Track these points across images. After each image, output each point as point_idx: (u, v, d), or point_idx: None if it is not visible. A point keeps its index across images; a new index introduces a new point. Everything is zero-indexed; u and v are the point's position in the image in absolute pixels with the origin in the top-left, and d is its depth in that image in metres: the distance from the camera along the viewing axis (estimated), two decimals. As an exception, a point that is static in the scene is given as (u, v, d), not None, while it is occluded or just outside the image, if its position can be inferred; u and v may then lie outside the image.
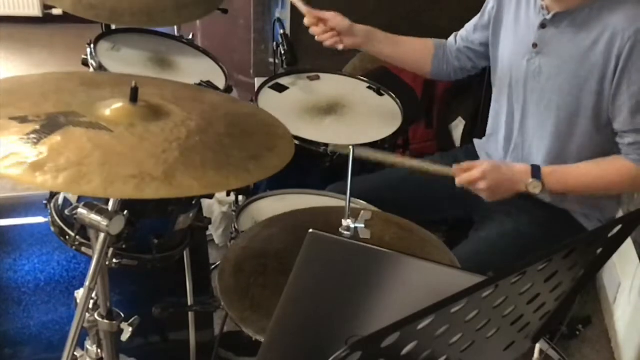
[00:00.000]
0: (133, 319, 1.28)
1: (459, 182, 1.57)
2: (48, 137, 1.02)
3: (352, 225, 1.26)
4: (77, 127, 1.06)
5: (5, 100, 1.12)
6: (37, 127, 1.04)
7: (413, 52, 1.91)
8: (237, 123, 1.23)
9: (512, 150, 1.73)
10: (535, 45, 1.60)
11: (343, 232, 1.26)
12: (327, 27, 1.79)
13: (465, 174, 1.56)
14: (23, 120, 1.06)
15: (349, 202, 1.30)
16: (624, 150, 1.55)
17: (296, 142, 1.83)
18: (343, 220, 1.26)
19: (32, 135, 1.02)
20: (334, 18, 1.80)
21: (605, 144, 1.59)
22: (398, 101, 2.08)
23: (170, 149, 1.05)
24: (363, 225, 1.26)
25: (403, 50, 1.90)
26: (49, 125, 1.05)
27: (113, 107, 1.13)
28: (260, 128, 1.27)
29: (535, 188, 1.56)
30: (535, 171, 1.57)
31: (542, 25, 1.57)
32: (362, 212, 1.29)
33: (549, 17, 1.56)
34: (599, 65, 1.49)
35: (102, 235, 1.14)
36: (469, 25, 1.86)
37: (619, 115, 1.52)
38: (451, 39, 1.90)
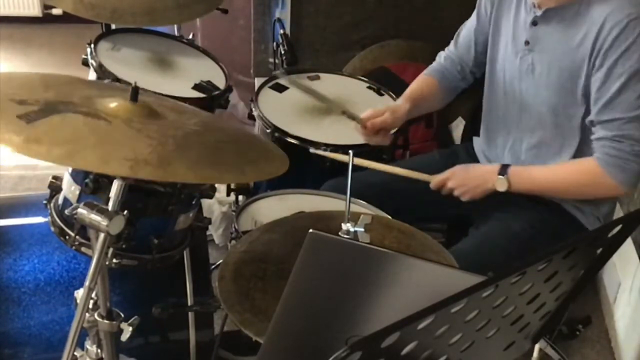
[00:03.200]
0: (133, 319, 1.28)
1: (432, 185, 1.69)
2: (45, 118, 1.02)
3: (352, 229, 1.26)
4: (75, 113, 1.06)
5: (5, 87, 1.12)
6: (35, 109, 1.04)
7: (428, 99, 1.88)
8: (233, 137, 1.23)
9: (510, 146, 1.73)
10: (527, 43, 1.61)
11: (342, 236, 1.25)
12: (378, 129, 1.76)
13: (435, 179, 1.68)
14: (22, 102, 1.05)
15: (349, 205, 1.30)
16: (594, 146, 1.54)
17: (296, 142, 1.84)
18: (343, 224, 1.26)
19: (30, 115, 1.02)
20: (393, 123, 1.77)
21: None
22: (398, 101, 2.07)
23: (167, 143, 1.05)
24: (363, 229, 1.26)
25: (424, 105, 1.89)
26: (47, 110, 1.05)
27: (113, 103, 1.13)
28: (255, 144, 1.28)
29: (501, 185, 1.61)
30: (503, 169, 1.61)
31: (534, 23, 1.59)
32: (362, 216, 1.28)
33: (539, 14, 1.57)
34: (586, 58, 1.51)
35: (102, 235, 1.14)
36: (463, 44, 1.85)
37: (594, 106, 1.52)
38: (447, 63, 1.88)
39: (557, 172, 1.62)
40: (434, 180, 1.69)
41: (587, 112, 1.57)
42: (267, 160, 1.19)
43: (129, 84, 1.18)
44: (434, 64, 1.92)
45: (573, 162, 1.60)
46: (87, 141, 0.99)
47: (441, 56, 1.91)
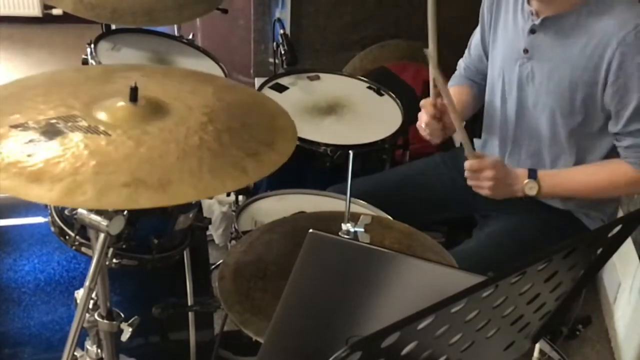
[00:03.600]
0: (133, 319, 1.28)
1: (468, 166, 1.58)
2: (46, 144, 1.03)
3: (352, 229, 1.26)
4: (75, 132, 1.06)
5: (6, 105, 1.13)
6: (36, 135, 1.05)
7: (467, 106, 1.86)
8: (239, 116, 1.21)
9: (509, 153, 1.73)
10: (526, 51, 1.60)
11: (343, 236, 1.25)
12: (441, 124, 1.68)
13: (476, 160, 1.57)
14: (24, 128, 1.06)
15: (349, 205, 1.30)
16: (622, 153, 1.56)
17: (296, 142, 1.84)
18: (343, 225, 1.26)
19: (32, 144, 1.02)
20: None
21: (601, 145, 1.60)
22: (398, 101, 2.08)
23: (167, 152, 1.05)
24: (363, 230, 1.26)
25: (466, 112, 1.86)
26: (48, 132, 1.05)
27: (113, 109, 1.13)
28: (262, 120, 1.26)
29: (531, 189, 1.59)
30: (532, 173, 1.59)
31: (532, 31, 1.58)
32: (362, 216, 1.28)
33: (537, 22, 1.56)
34: (589, 69, 1.50)
35: (102, 235, 1.14)
36: (475, 55, 1.85)
37: (616, 120, 1.52)
38: (467, 72, 1.89)
39: (589, 174, 1.60)
40: (472, 163, 1.57)
41: (586, 121, 1.57)
42: (271, 147, 1.17)
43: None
44: (457, 72, 1.93)
45: (603, 165, 1.59)
46: (86, 170, 1.00)
47: (461, 66, 1.92)
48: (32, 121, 1.08)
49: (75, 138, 1.05)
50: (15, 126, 1.06)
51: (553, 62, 1.56)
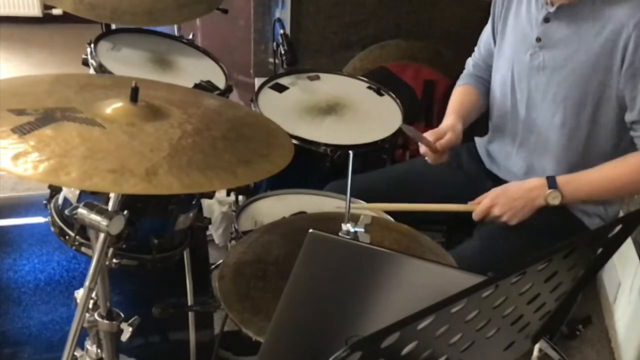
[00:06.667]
0: (133, 319, 1.28)
1: (475, 217, 1.63)
2: (40, 129, 1.03)
3: (352, 230, 1.25)
4: (71, 122, 1.07)
5: (9, 94, 1.13)
6: (32, 119, 1.05)
7: (472, 109, 1.86)
8: (237, 129, 1.22)
9: (518, 146, 1.73)
10: (538, 40, 1.60)
11: (343, 236, 1.25)
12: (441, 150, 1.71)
13: (477, 207, 1.62)
14: (20, 112, 1.06)
15: (349, 205, 1.30)
16: (639, 143, 1.55)
17: (296, 142, 1.84)
18: (342, 225, 1.26)
19: (25, 127, 1.02)
20: (457, 141, 1.73)
21: (613, 134, 1.59)
22: (398, 101, 2.08)
23: (160, 148, 1.05)
24: (363, 230, 1.26)
25: (470, 115, 1.86)
26: (44, 119, 1.05)
27: (112, 106, 1.13)
28: (259, 136, 1.27)
29: (554, 199, 1.57)
30: (551, 182, 1.57)
31: (546, 19, 1.58)
32: (362, 216, 1.28)
33: (552, 10, 1.56)
34: (603, 56, 1.50)
35: (102, 235, 1.14)
36: (485, 50, 1.85)
37: (632, 106, 1.51)
38: (475, 70, 1.89)
39: (610, 174, 1.57)
40: (476, 212, 1.63)
41: (598, 112, 1.56)
42: (266, 158, 1.18)
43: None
44: (465, 72, 1.93)
45: (622, 161, 1.56)
46: (75, 153, 0.99)
47: (469, 64, 1.92)
48: (30, 108, 1.08)
49: (70, 126, 1.05)
50: (12, 110, 1.06)
51: (566, 50, 1.56)
